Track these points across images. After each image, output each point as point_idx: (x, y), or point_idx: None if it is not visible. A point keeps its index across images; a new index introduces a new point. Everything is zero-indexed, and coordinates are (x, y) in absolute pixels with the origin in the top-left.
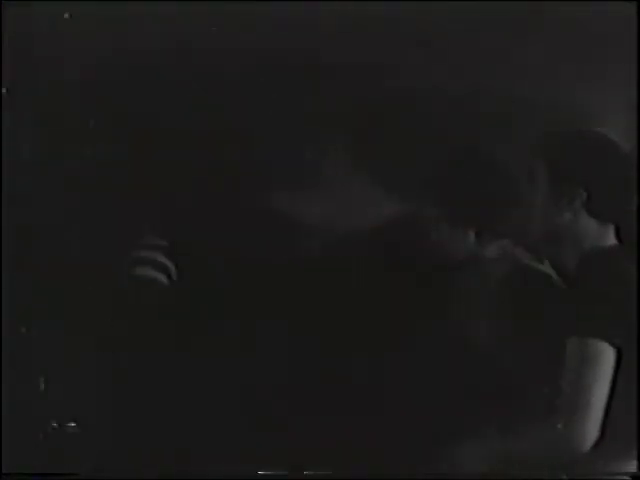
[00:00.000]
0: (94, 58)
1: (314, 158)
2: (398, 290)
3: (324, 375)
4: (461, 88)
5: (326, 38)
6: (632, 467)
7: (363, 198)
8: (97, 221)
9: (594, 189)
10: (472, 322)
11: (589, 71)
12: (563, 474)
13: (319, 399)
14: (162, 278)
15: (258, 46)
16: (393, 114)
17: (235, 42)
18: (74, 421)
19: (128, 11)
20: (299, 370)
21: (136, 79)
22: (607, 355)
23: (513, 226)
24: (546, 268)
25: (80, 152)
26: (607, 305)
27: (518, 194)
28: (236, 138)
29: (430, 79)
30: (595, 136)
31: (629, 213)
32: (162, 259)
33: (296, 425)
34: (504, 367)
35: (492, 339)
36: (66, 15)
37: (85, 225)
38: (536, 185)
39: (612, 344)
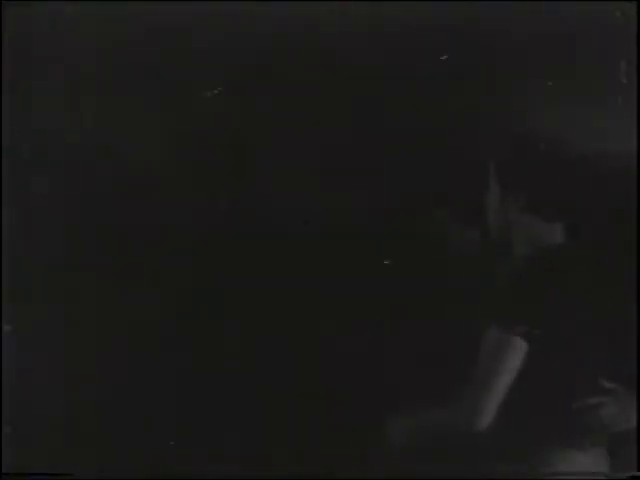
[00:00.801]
0: (94, 58)
1: (322, 156)
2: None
3: (327, 376)
4: (461, 88)
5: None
6: (632, 468)
7: (371, 196)
8: (99, 221)
9: (537, 189)
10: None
11: (588, 71)
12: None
13: (322, 399)
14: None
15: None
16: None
17: (239, 42)
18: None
19: (128, 11)
20: (302, 370)
21: (137, 79)
22: (521, 349)
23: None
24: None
25: (80, 151)
26: (530, 301)
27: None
28: (235, 140)
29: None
30: (541, 138)
31: (578, 212)
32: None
33: (298, 425)
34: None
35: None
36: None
37: (86, 225)
38: (487, 186)
39: (528, 339)
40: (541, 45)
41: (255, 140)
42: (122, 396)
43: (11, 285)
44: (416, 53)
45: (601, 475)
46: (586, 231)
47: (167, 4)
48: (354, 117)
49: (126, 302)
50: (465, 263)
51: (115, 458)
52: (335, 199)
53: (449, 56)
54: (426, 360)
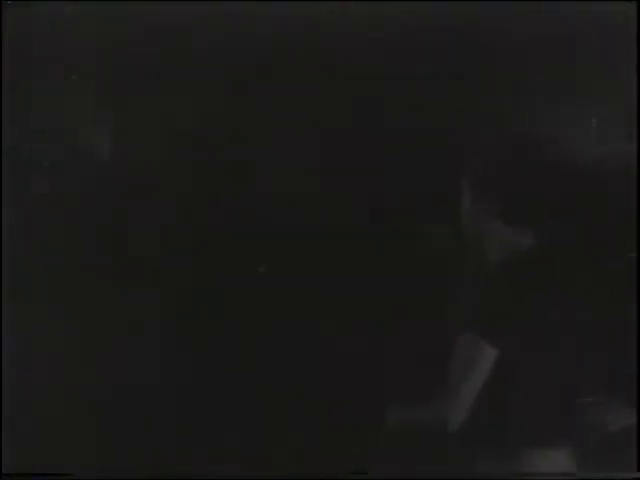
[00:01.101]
0: (94, 57)
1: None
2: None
3: (327, 376)
4: (460, 87)
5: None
6: (632, 469)
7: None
8: (102, 220)
9: (508, 198)
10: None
11: (588, 71)
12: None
13: (322, 399)
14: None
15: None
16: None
17: (239, 42)
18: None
19: (128, 11)
20: (302, 370)
21: (138, 77)
22: (490, 355)
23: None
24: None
25: (81, 151)
26: (501, 308)
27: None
28: (235, 138)
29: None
30: (512, 148)
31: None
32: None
33: (298, 425)
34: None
35: None
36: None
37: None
38: (461, 192)
39: (498, 347)
40: (541, 45)
41: (255, 140)
42: (122, 396)
43: (11, 285)
44: (416, 53)
45: (602, 475)
46: (585, 231)
47: (167, 4)
48: (354, 117)
49: (126, 302)
50: (464, 265)
51: (115, 458)
52: (335, 199)
53: (449, 56)
54: (420, 360)
